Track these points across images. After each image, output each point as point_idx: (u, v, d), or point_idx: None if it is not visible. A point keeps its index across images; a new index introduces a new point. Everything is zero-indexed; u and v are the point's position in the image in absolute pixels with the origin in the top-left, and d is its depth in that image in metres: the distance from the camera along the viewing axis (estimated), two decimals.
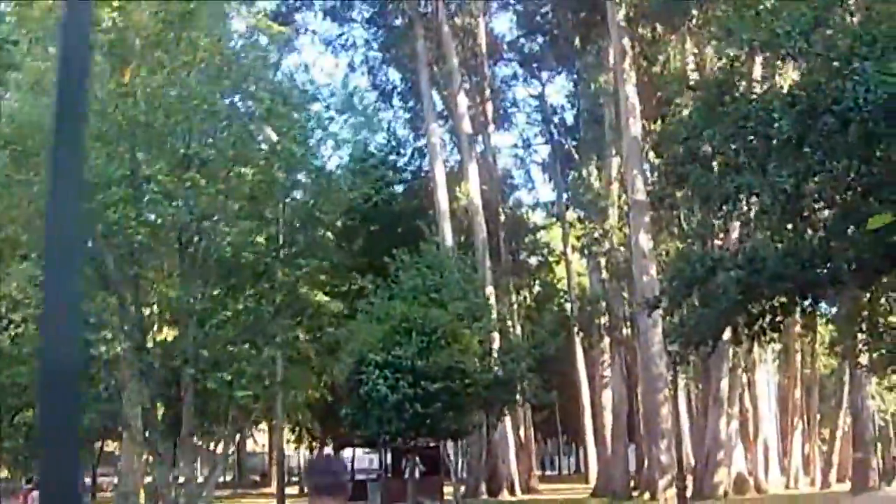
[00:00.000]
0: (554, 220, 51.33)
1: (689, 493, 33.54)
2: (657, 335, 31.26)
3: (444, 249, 33.56)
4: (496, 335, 32.87)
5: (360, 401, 20.69)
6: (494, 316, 33.26)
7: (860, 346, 23.89)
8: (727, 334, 20.35)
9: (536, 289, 55.51)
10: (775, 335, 18.19)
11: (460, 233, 44.94)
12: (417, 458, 34.21)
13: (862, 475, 36.06)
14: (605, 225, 35.73)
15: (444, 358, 18.76)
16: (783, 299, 16.69)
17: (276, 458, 59.97)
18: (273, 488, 52.88)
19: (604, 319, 37.12)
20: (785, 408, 43.71)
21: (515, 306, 47.36)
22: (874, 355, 23.75)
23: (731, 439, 34.36)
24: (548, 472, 65.29)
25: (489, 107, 45.87)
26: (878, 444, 37.34)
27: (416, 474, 33.63)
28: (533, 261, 53.70)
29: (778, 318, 17.51)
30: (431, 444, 31.62)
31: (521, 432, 47.06)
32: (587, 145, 40.39)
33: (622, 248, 34.81)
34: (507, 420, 39.69)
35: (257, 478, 58.61)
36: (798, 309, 17.04)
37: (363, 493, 24.42)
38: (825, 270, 15.32)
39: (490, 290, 40.04)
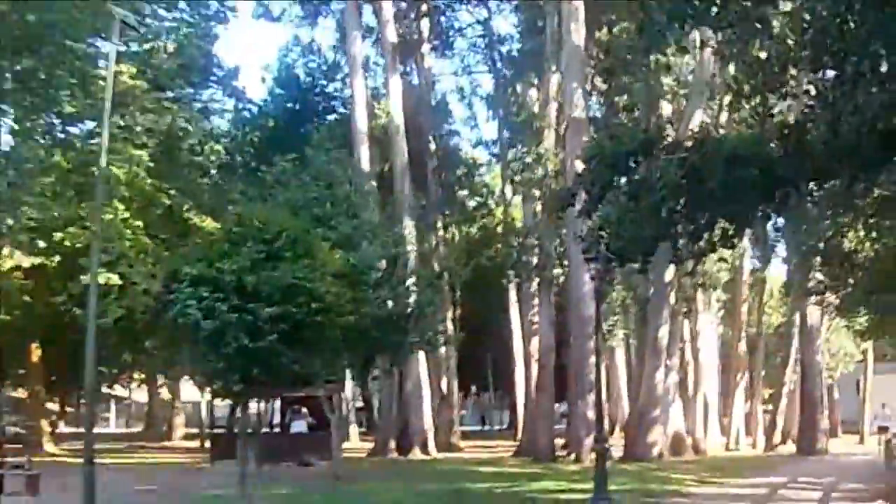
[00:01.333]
0: (494, 159, 46.81)
1: (620, 454, 29.95)
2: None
3: (354, 169, 28.93)
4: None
5: (169, 330, 16.00)
6: (411, 249, 28.98)
7: (826, 283, 20.08)
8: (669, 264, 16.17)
9: (476, 233, 51.28)
10: (726, 256, 14.02)
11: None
12: (304, 410, 29.87)
13: (808, 437, 32.71)
14: (540, 148, 31.36)
15: (282, 273, 14.01)
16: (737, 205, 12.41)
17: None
18: (175, 441, 48.56)
19: (535, 258, 32.87)
20: (728, 363, 40.24)
21: (441, 246, 43.01)
22: (840, 294, 19.97)
23: (668, 394, 30.63)
24: (479, 429, 61.56)
25: (425, 24, 40.96)
26: (826, 404, 33.97)
27: (302, 428, 29.32)
28: (473, 203, 49.37)
29: (731, 232, 13.36)
30: (320, 393, 27.33)
31: (445, 383, 43.08)
32: (525, 60, 35.87)
33: (558, 176, 30.48)
34: (422, 368, 35.62)
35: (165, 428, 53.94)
36: (759, 214, 12.81)
37: (230, 450, 19.90)
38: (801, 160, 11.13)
39: (408, 222, 35.74)
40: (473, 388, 64.14)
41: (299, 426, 29.53)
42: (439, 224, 42.78)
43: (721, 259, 30.90)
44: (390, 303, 21.25)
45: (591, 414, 26.48)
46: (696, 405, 36.43)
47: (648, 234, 12.15)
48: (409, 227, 35.45)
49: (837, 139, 10.44)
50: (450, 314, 46.01)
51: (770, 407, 40.41)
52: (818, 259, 20.09)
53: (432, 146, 42.47)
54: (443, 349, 43.03)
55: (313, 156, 21.78)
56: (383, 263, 21.46)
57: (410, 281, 22.82)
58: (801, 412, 33.39)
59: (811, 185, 12.06)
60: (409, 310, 21.51)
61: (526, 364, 39.51)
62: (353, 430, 43.83)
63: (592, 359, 26.93)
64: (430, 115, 42.33)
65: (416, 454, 34.49)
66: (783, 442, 40.55)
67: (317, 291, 14.34)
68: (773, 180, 11.23)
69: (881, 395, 44.71)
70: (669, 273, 28.13)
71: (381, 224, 22.89)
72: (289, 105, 45.10)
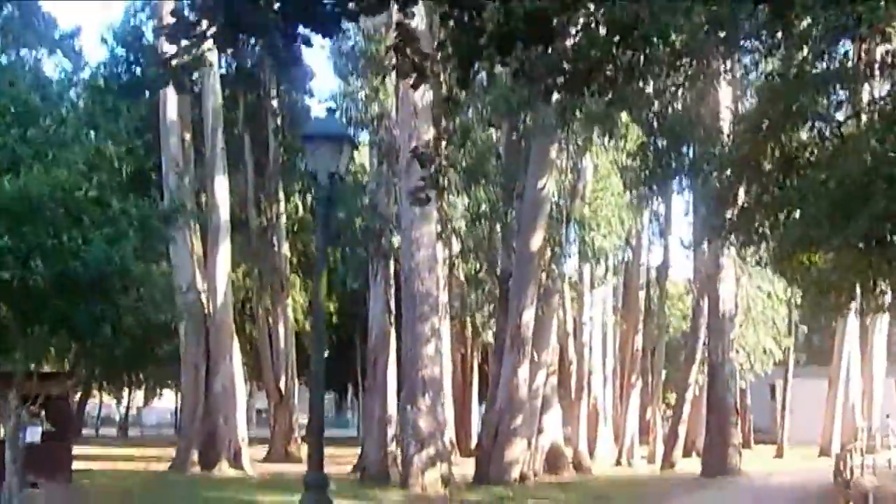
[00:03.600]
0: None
1: (467, 475, 22.80)
2: (426, 231, 19.95)
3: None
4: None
5: None
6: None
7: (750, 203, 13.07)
8: None
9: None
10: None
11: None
12: (43, 412, 22.11)
13: (717, 452, 25.88)
14: (375, 81, 23.82)
15: None
16: None
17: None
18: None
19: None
20: (623, 360, 33.48)
21: (284, 217, 35.34)
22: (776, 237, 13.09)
23: (537, 398, 23.51)
24: (336, 433, 53.57)
25: None
26: (738, 412, 27.21)
27: (35, 437, 21.38)
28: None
29: None
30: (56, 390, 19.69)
31: (283, 382, 35.47)
32: None
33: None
34: (236, 362, 27.91)
35: None
36: None
37: None
38: None
39: (221, 180, 28.00)
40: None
41: (32, 434, 21.64)
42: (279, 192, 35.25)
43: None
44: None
45: (423, 422, 19.22)
46: (581, 412, 29.54)
47: None
48: (220, 189, 27.83)
49: None
50: (295, 297, 38.82)
51: (671, 414, 33.55)
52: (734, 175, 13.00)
53: (274, 103, 34.96)
54: (282, 341, 35.82)
55: None
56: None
57: None
58: (707, 421, 26.56)
59: None
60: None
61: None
62: None
63: (429, 349, 19.73)
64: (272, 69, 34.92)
65: (224, 469, 26.74)
66: (686, 455, 34.00)
67: None
68: None
69: (800, 403, 38.76)
70: (538, 239, 21.06)
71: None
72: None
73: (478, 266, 23.88)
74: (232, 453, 27.25)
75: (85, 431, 52.52)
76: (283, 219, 35.38)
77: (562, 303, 29.58)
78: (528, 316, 21.47)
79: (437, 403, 19.64)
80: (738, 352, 28.27)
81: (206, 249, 28.04)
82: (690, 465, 28.97)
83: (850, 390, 37.80)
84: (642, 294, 32.01)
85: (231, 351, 27.72)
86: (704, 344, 27.61)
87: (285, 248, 35.62)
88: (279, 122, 35.08)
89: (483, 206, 21.88)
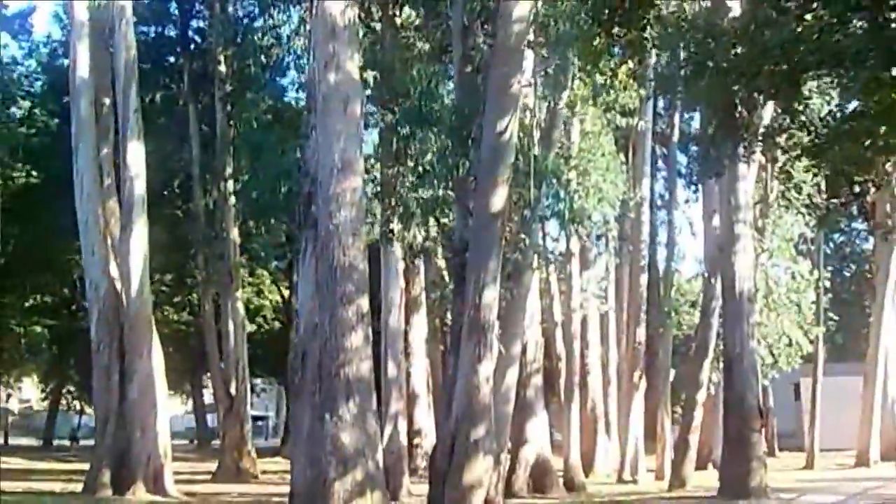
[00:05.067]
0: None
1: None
2: (350, 185, 15.33)
3: None
4: None
5: None
6: None
7: None
8: None
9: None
10: None
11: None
12: None
13: (737, 466, 20.98)
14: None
15: None
16: None
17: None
18: None
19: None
20: (624, 356, 28.64)
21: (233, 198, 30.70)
22: None
23: (507, 402, 18.75)
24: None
25: None
26: (761, 415, 22.27)
27: None
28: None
29: None
30: None
31: (234, 386, 30.97)
32: None
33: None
34: (157, 360, 23.30)
35: None
36: None
37: None
38: None
39: (136, 147, 23.37)
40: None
41: None
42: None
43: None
44: None
45: (347, 437, 14.52)
46: (571, 418, 24.78)
47: None
48: (135, 158, 23.18)
49: None
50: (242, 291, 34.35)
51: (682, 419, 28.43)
52: None
53: (222, 68, 30.43)
54: (231, 338, 31.27)
55: None
56: None
57: None
58: (725, 428, 21.70)
59: None
60: None
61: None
62: None
63: (353, 339, 14.99)
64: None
65: (140, 492, 22.16)
66: (701, 468, 29.18)
67: None
68: None
69: (829, 404, 33.88)
70: (499, 197, 16.30)
71: None
72: None
73: (423, 233, 19.01)
74: (150, 473, 22.67)
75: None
76: (233, 200, 30.76)
77: (548, 287, 24.95)
78: (490, 296, 16.65)
79: (367, 411, 14.87)
80: (759, 342, 23.38)
81: (121, 228, 23.58)
82: (706, 480, 24.10)
83: (889, 388, 32.96)
84: (644, 278, 27.19)
85: (150, 348, 23.09)
86: (718, 334, 22.73)
87: (234, 234, 31.07)
88: (227, 88, 30.60)
89: (429, 155, 17.16)
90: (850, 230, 54.93)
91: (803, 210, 26.64)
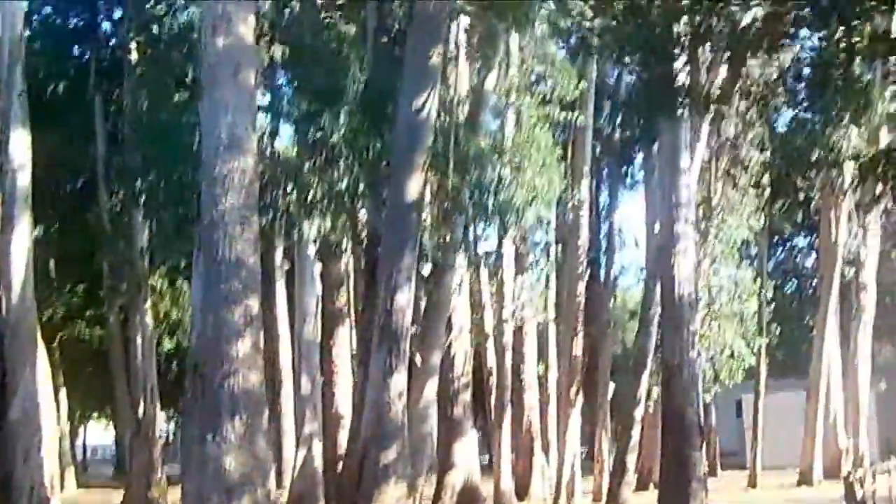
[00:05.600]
0: None
1: None
2: (240, 165, 13.40)
3: None
4: None
5: None
6: None
7: None
8: None
9: None
10: None
11: None
12: None
13: (676, 486, 19.32)
14: None
15: None
16: None
17: None
18: None
19: None
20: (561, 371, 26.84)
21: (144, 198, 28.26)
22: None
23: (425, 420, 16.86)
24: None
25: None
26: (702, 432, 20.65)
27: None
28: None
29: None
30: None
31: (142, 408, 28.42)
32: None
33: None
34: (40, 380, 20.91)
35: None
36: None
37: None
38: None
39: (21, 136, 21.08)
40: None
41: None
42: None
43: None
44: None
45: (233, 461, 12.51)
46: (503, 439, 22.97)
47: None
48: (18, 148, 20.86)
49: None
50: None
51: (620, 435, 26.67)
52: None
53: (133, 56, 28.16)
54: (139, 354, 28.82)
55: None
56: None
57: None
58: (663, 447, 20.05)
59: None
60: None
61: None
62: None
63: (240, 346, 12.98)
64: None
65: None
66: (642, 488, 27.59)
67: None
68: None
69: (773, 420, 32.60)
70: (415, 184, 14.40)
71: None
72: None
73: (327, 226, 16.95)
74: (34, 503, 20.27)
75: None
76: (143, 199, 28.32)
77: (479, 295, 23.18)
78: (404, 299, 14.77)
79: (257, 432, 12.87)
80: (699, 354, 21.84)
81: (1, 227, 21.21)
82: (645, 502, 22.49)
83: (831, 403, 31.75)
84: (582, 286, 25.59)
85: (34, 362, 20.77)
86: (657, 345, 21.13)
87: (144, 238, 28.67)
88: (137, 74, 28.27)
89: (336, 136, 15.20)
90: (793, 247, 54.52)
91: (748, 212, 25.31)
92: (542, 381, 28.69)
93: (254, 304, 13.13)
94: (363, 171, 15.19)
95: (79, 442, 60.01)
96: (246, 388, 12.86)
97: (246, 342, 12.94)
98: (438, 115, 14.83)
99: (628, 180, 29.04)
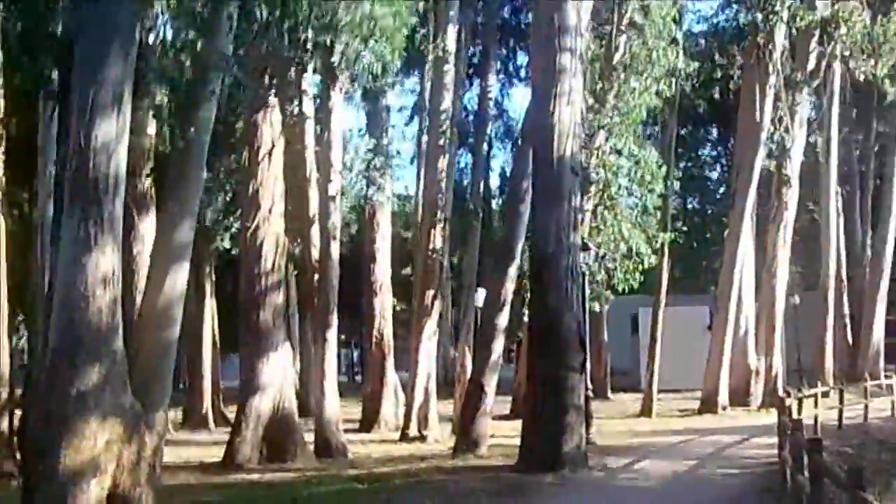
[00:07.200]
0: None
1: None
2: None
3: None
4: None
5: None
6: None
7: None
8: None
9: None
10: None
11: None
12: None
13: (546, 420, 14.27)
14: None
15: None
16: None
17: None
18: None
19: None
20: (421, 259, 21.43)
21: None
22: None
23: (169, 321, 11.25)
24: None
25: None
26: (586, 347, 15.54)
27: None
28: None
29: None
30: None
31: None
32: None
33: None
34: None
35: None
36: None
37: None
38: None
39: None
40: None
41: None
42: None
43: None
44: None
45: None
46: (327, 352, 17.48)
47: None
48: None
49: None
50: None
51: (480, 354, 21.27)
52: None
53: None
54: None
55: None
56: None
57: None
58: (530, 366, 14.91)
59: None
60: None
61: None
62: None
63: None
64: None
65: None
66: (513, 416, 22.73)
67: None
68: None
69: (673, 337, 28.11)
70: None
71: None
72: None
73: None
74: None
75: None
76: None
77: (304, 164, 17.58)
78: (110, 131, 9.07)
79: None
80: (586, 246, 16.63)
81: None
82: (512, 436, 17.44)
83: (741, 320, 27.37)
84: (444, 161, 19.99)
85: None
86: (529, 226, 15.67)
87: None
88: None
89: None
90: (698, 156, 50.05)
91: (657, 73, 20.00)
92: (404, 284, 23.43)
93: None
94: None
95: None
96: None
97: None
98: None
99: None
